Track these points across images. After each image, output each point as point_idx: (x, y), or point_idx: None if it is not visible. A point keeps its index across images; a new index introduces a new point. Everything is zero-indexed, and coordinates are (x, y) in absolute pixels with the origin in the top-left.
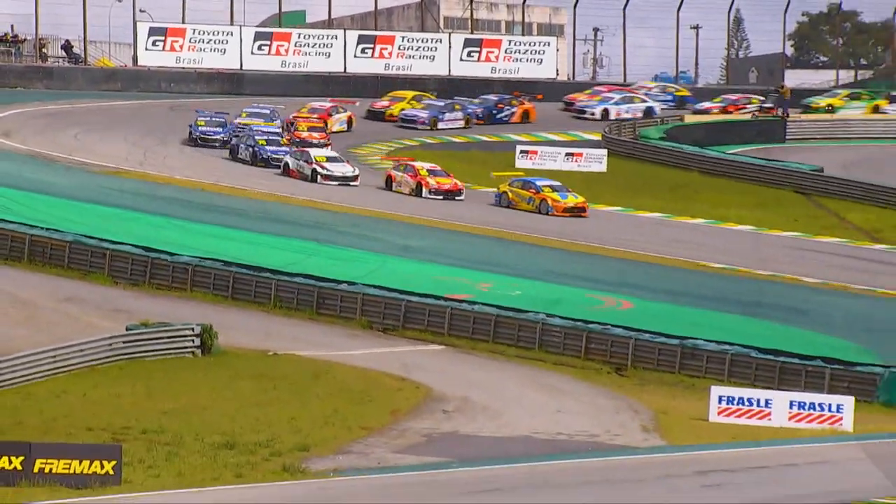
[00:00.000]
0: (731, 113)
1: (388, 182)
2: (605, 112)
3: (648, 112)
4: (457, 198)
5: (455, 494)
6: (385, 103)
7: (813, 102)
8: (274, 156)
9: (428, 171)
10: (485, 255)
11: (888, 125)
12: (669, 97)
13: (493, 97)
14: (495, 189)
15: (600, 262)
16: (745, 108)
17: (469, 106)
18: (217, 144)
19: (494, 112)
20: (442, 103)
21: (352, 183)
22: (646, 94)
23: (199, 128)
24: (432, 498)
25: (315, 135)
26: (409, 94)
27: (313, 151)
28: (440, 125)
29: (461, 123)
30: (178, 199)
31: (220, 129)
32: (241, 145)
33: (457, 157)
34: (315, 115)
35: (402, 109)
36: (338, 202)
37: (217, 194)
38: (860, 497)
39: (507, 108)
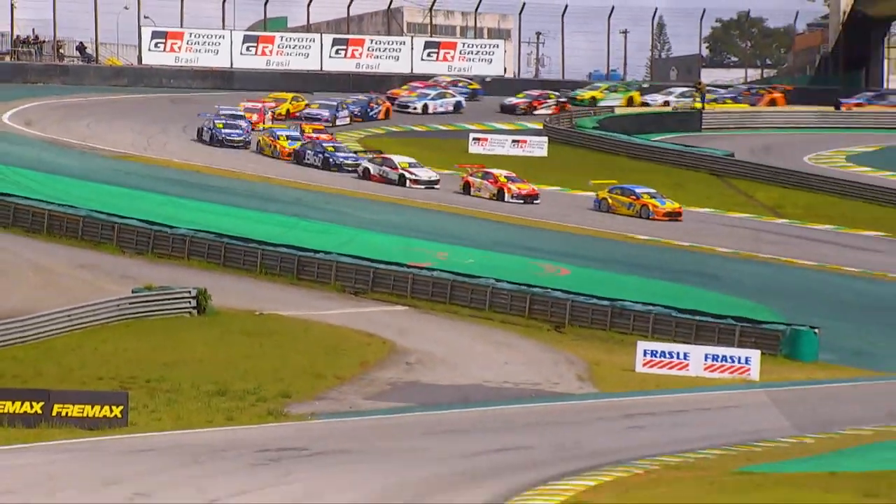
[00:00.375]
0: (535, 108)
1: (467, 187)
2: (425, 107)
3: (457, 106)
4: (535, 202)
5: (416, 435)
6: (272, 104)
7: (577, 95)
8: (345, 161)
9: (505, 177)
10: (442, 228)
11: (789, 116)
12: (464, 89)
13: (363, 97)
14: (595, 194)
15: (542, 234)
16: (545, 102)
17: (349, 105)
18: (240, 145)
19: (368, 110)
20: (334, 103)
21: (435, 186)
22: (452, 89)
23: (221, 130)
24: (397, 438)
25: (323, 136)
26: (289, 95)
27: (396, 158)
28: (337, 122)
29: (347, 121)
30: (176, 179)
31: (240, 131)
32: (309, 151)
33: (420, 143)
34: (255, 112)
35: (302, 109)
36: (316, 183)
37: (210, 175)
38: (765, 436)
39: (377, 106)
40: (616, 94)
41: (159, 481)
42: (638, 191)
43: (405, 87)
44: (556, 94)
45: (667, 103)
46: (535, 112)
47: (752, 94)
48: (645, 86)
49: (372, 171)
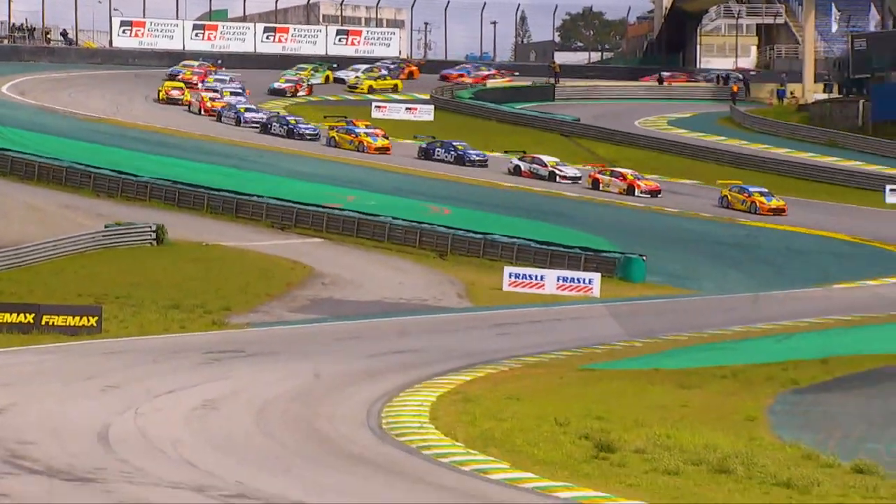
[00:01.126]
0: (297, 90)
1: (595, 184)
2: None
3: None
4: (658, 195)
5: (330, 340)
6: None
7: (297, 74)
8: (476, 157)
9: (633, 175)
10: (350, 176)
11: (623, 90)
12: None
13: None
14: (720, 191)
15: (429, 182)
16: (301, 86)
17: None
18: (314, 138)
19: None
20: (240, 87)
21: (578, 181)
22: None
23: (298, 125)
24: (315, 342)
25: (378, 131)
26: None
27: (545, 158)
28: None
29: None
30: (140, 138)
31: (313, 126)
32: (439, 150)
33: (336, 111)
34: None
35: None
36: (250, 141)
37: (167, 134)
38: (603, 341)
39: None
40: (318, 73)
41: (126, 376)
42: (751, 189)
43: (189, 72)
44: (307, 79)
45: (357, 78)
46: (298, 94)
47: (395, 67)
48: (335, 66)
49: (523, 169)
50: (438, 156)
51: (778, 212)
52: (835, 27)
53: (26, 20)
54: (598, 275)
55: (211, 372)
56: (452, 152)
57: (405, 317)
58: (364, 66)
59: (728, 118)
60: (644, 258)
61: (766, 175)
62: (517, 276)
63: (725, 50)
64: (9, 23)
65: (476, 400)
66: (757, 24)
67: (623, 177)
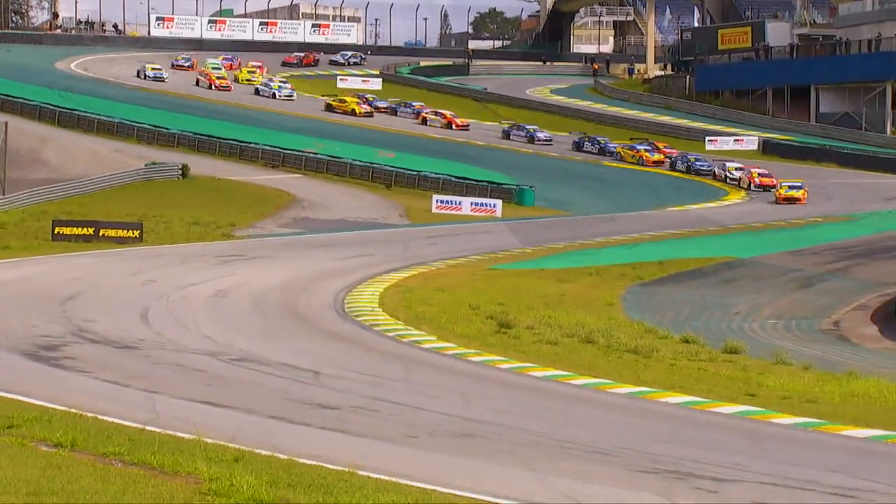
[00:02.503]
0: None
1: (740, 182)
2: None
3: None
4: (771, 190)
5: (306, 247)
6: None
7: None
8: (702, 168)
9: (758, 174)
10: (322, 130)
11: (517, 67)
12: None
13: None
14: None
15: (378, 134)
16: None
17: None
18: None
19: None
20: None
21: (741, 185)
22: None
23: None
24: (296, 249)
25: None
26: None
27: (728, 163)
28: None
29: None
30: (170, 102)
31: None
32: (679, 161)
33: (312, 83)
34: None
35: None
36: (255, 105)
37: (190, 99)
38: (504, 248)
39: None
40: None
41: (161, 273)
42: (786, 184)
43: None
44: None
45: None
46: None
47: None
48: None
49: (716, 174)
50: (679, 167)
51: (792, 200)
52: (667, 23)
53: (88, 16)
54: (500, 201)
55: (222, 270)
56: (686, 163)
57: (361, 231)
58: (211, 59)
59: (593, 88)
60: (533, 188)
61: (621, 129)
62: (442, 201)
63: (591, 39)
64: (75, 18)
65: (412, 291)
66: (613, 21)
67: (750, 175)
